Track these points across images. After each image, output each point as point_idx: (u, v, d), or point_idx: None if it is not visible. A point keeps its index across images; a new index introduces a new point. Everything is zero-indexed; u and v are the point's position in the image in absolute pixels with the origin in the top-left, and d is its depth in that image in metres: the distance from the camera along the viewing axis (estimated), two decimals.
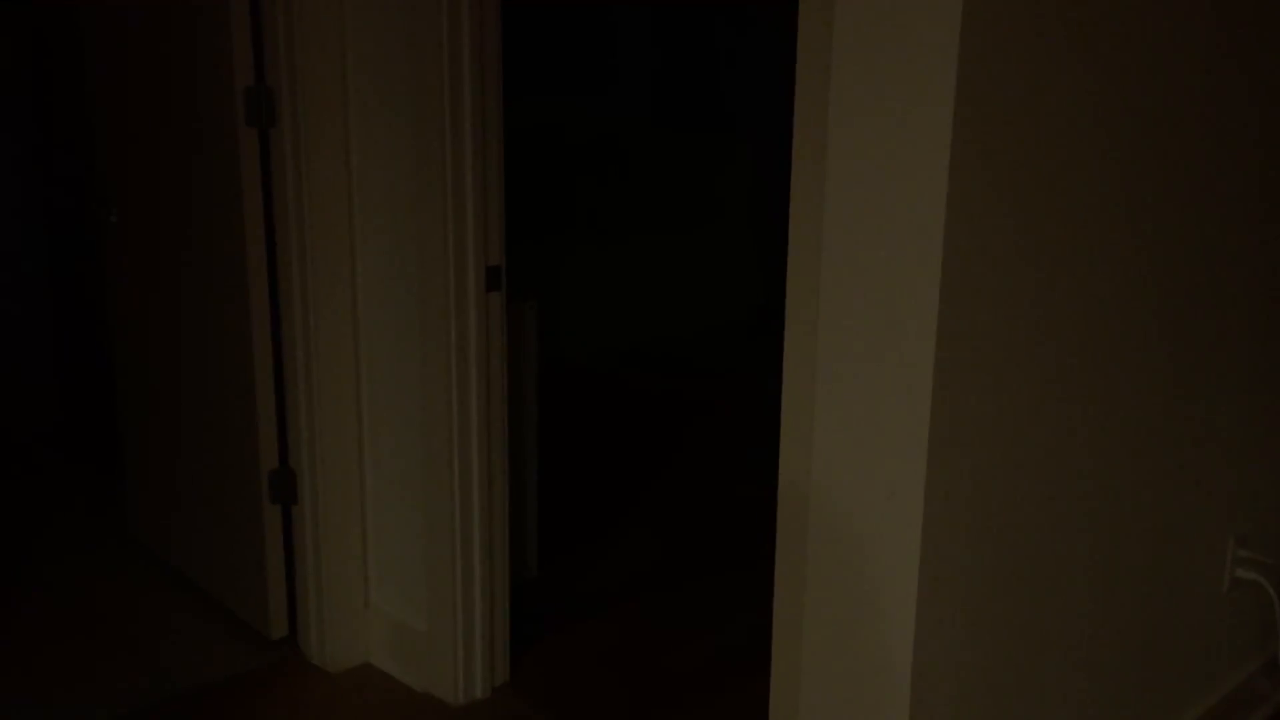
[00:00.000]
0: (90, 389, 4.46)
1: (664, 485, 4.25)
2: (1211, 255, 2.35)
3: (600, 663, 3.02)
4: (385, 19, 2.60)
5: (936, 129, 1.67)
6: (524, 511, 3.30)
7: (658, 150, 5.94)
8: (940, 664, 1.91)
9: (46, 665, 2.94)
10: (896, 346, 1.77)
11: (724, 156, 5.95)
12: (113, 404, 3.59)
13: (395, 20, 2.58)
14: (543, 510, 3.46)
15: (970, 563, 1.92)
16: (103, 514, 3.78)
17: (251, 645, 3.03)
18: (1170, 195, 2.18)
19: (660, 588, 3.43)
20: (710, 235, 5.93)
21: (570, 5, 5.57)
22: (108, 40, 3.21)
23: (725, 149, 5.94)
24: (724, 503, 4.09)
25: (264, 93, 2.71)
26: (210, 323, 3.01)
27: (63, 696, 2.81)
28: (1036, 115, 1.81)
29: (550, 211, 5.50)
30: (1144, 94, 2.04)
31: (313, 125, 2.67)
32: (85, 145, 3.53)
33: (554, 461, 4.21)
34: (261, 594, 3.02)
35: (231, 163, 2.78)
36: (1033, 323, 1.92)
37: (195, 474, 3.21)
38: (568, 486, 4.16)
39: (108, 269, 3.45)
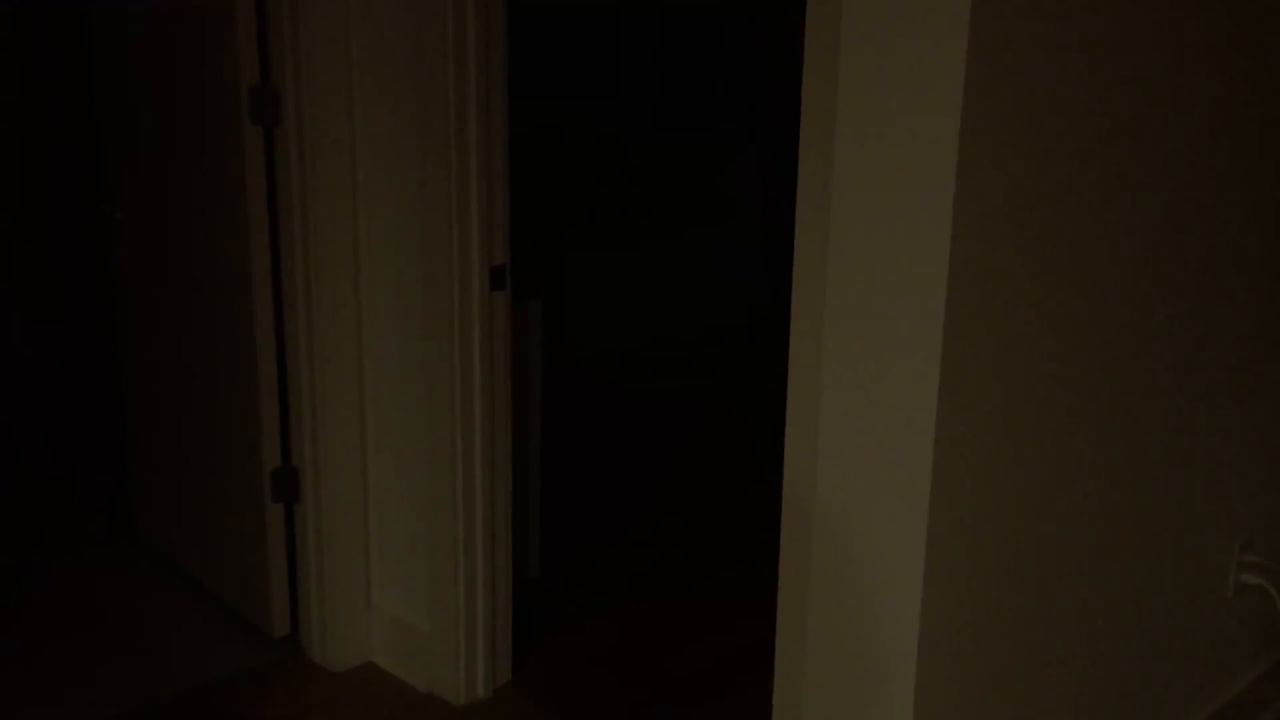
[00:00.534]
0: (96, 388, 4.46)
1: (667, 487, 4.25)
2: (1217, 261, 2.34)
3: (603, 664, 3.02)
4: (391, 18, 2.60)
5: (944, 135, 1.66)
6: (527, 511, 3.30)
7: (662, 152, 5.94)
8: (944, 670, 1.90)
9: (50, 664, 2.94)
10: (902, 354, 1.77)
11: (728, 158, 5.95)
12: (118, 403, 3.60)
13: (401, 19, 2.57)
14: (546, 510, 3.45)
15: (974, 569, 1.91)
16: (107, 513, 3.78)
17: (254, 644, 3.03)
18: (1176, 200, 2.18)
19: (663, 589, 3.43)
20: (714, 237, 5.93)
21: (575, 8, 5.57)
22: (112, 38, 3.22)
23: (729, 151, 5.94)
24: (727, 505, 4.08)
25: (269, 91, 2.71)
26: (214, 321, 3.01)
27: (66, 695, 2.81)
28: (1042, 121, 1.80)
29: (555, 213, 5.50)
30: (1150, 100, 2.03)
31: (318, 123, 2.67)
32: (90, 144, 3.54)
33: (557, 462, 4.21)
34: (264, 592, 3.02)
35: (236, 161, 2.78)
36: (1037, 327, 1.92)
37: (199, 472, 3.21)
38: (571, 487, 4.16)
39: (112, 267, 3.45)
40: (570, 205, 5.66)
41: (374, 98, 2.68)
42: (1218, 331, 2.40)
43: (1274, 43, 2.34)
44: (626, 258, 5.66)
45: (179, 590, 3.29)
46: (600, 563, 3.59)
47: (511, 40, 2.59)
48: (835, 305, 1.84)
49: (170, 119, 3.03)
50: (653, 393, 5.34)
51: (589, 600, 3.35)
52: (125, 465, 3.59)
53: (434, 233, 2.58)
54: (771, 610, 2.04)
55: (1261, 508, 2.71)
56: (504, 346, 2.69)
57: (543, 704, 2.83)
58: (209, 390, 3.10)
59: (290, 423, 2.89)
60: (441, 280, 2.59)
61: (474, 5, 2.46)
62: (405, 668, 2.91)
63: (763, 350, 5.47)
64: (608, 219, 5.82)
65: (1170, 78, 2.07)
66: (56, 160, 4.34)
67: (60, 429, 4.45)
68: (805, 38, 1.81)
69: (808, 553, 1.96)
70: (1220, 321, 2.40)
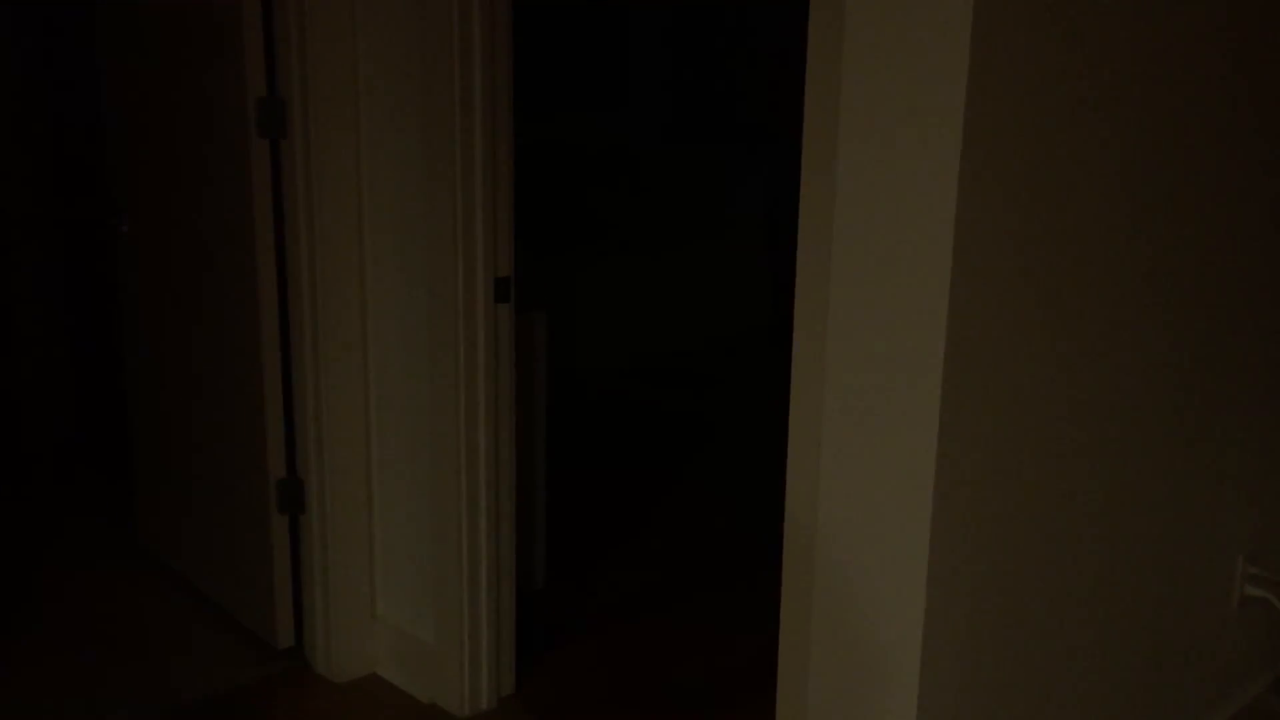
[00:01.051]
0: (104, 398, 4.47)
1: (673, 499, 4.24)
2: (1222, 272, 2.34)
3: (607, 676, 3.01)
4: (397, 31, 2.61)
5: (946, 148, 1.66)
6: (532, 523, 3.30)
7: (669, 164, 5.94)
8: (947, 686, 1.90)
9: (55, 674, 2.94)
10: (904, 369, 1.77)
11: (735, 170, 5.96)
12: (124, 413, 3.61)
13: (406, 32, 2.59)
14: (551, 522, 3.45)
15: (976, 585, 1.91)
16: (114, 523, 3.79)
17: (258, 655, 3.03)
18: (1180, 211, 2.18)
19: (669, 602, 3.43)
20: (720, 248, 5.93)
21: (584, 19, 5.59)
22: (120, 50, 3.23)
23: (736, 163, 5.95)
24: (732, 518, 4.08)
25: (276, 104, 2.72)
26: (220, 332, 3.02)
27: (71, 705, 2.82)
28: (1045, 134, 1.81)
29: (562, 225, 5.51)
30: (1153, 108, 2.04)
31: (324, 136, 2.68)
32: (98, 155, 3.55)
33: (563, 474, 4.21)
34: (268, 603, 3.02)
35: (242, 173, 2.79)
36: (1040, 342, 1.92)
37: (204, 483, 3.22)
38: (576, 499, 4.16)
39: (119, 278, 3.47)
40: (577, 216, 5.67)
41: (379, 110, 2.70)
42: (1222, 343, 2.40)
43: (1276, 45, 2.34)
44: (632, 269, 5.67)
45: (183, 601, 3.30)
46: (605, 575, 3.59)
47: (520, 50, 2.61)
48: (837, 322, 1.84)
49: (177, 131, 3.05)
50: (659, 405, 5.34)
51: (593, 613, 3.35)
52: (132, 476, 3.60)
53: (439, 245, 2.59)
54: (775, 624, 2.04)
55: (1266, 519, 2.71)
56: (508, 358, 2.70)
57: (546, 716, 2.83)
58: (214, 401, 3.10)
59: (295, 434, 2.89)
60: (446, 292, 2.60)
61: (479, 18, 2.47)
62: (409, 679, 2.91)
63: (769, 362, 5.47)
64: (614, 230, 5.83)
65: (1172, 82, 2.07)
66: (65, 171, 4.36)
67: (69, 438, 4.46)
68: (808, 48, 1.82)
69: (810, 568, 1.96)
70: (1225, 333, 2.40)
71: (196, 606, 3.26)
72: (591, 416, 5.13)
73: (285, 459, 2.94)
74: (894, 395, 1.79)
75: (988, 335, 1.80)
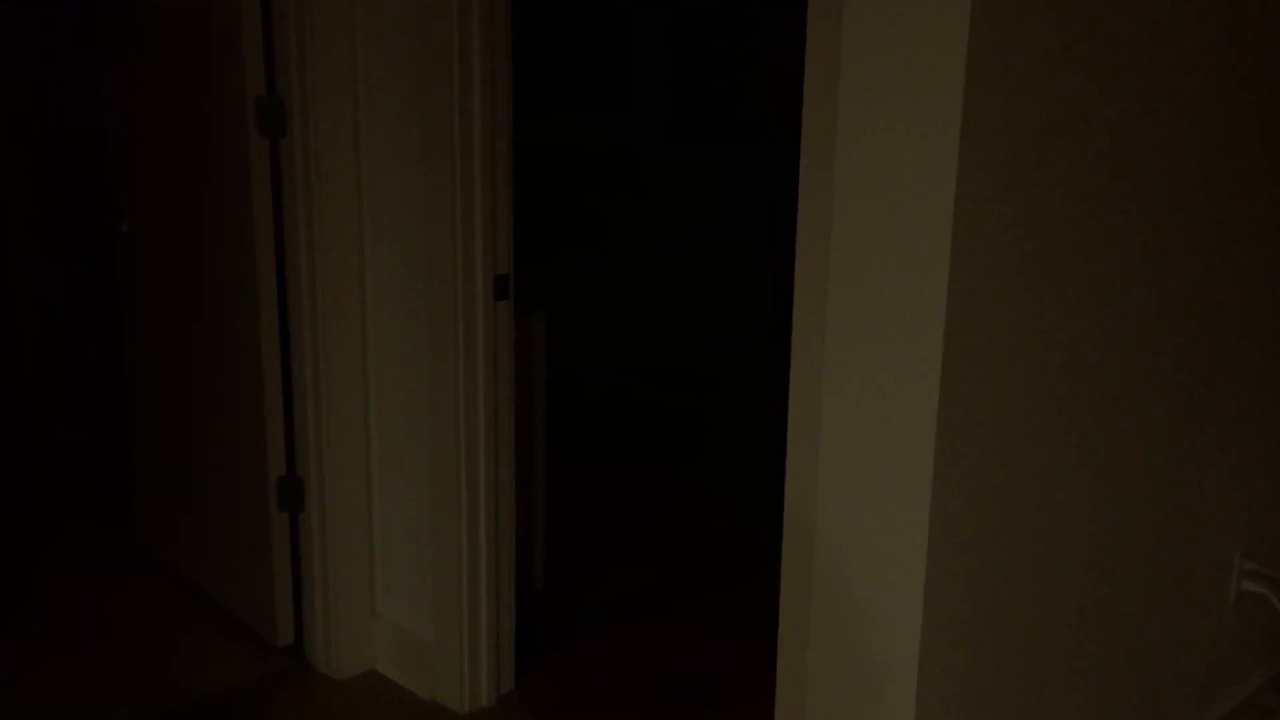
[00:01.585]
0: (103, 398, 4.47)
1: (673, 498, 4.25)
2: (1219, 268, 2.35)
3: (607, 674, 3.02)
4: (396, 30, 2.62)
5: (943, 147, 1.67)
6: (531, 522, 3.30)
7: (669, 164, 5.95)
8: (945, 682, 1.91)
9: (55, 673, 2.95)
10: (902, 369, 1.77)
11: (735, 171, 5.96)
12: (124, 412, 3.61)
13: (406, 31, 2.59)
14: (550, 521, 3.46)
15: (974, 582, 1.92)
16: (114, 522, 3.79)
17: (258, 652, 3.04)
18: (1177, 207, 2.18)
19: (668, 601, 3.43)
20: (720, 248, 5.94)
21: (585, 20, 5.59)
22: (120, 50, 3.24)
23: (736, 163, 5.95)
24: (733, 516, 4.08)
25: (275, 103, 2.73)
26: (220, 331, 3.03)
27: (71, 704, 2.82)
28: (1043, 130, 1.81)
29: (562, 225, 5.51)
30: (1150, 106, 2.04)
31: (323, 135, 2.69)
32: (98, 156, 3.56)
33: (562, 473, 4.21)
34: (268, 601, 3.03)
35: (242, 172, 2.80)
36: (1038, 340, 1.92)
37: (204, 482, 3.22)
38: (576, 498, 4.16)
39: (119, 278, 3.47)
40: (577, 216, 5.68)
41: (379, 109, 2.70)
42: (1219, 341, 2.41)
43: (1273, 44, 2.35)
44: (632, 269, 5.67)
45: (183, 599, 3.30)
46: (605, 574, 3.60)
47: (520, 51, 2.61)
48: (835, 321, 1.85)
49: (176, 131, 3.06)
50: (658, 404, 5.34)
51: (594, 611, 3.35)
52: (132, 475, 3.60)
53: (438, 242, 2.59)
54: (775, 623, 2.05)
55: (1263, 515, 2.71)
56: (508, 356, 2.71)
57: (546, 714, 2.83)
58: (214, 400, 3.11)
59: (295, 432, 2.90)
60: (445, 289, 2.60)
61: (478, 17, 2.48)
62: (409, 676, 2.92)
63: (769, 362, 5.47)
64: (614, 230, 5.83)
65: (1170, 81, 2.08)
66: (65, 171, 4.36)
67: (68, 438, 4.46)
68: (806, 49, 1.82)
69: (809, 567, 1.96)
70: (1221, 329, 2.41)
71: (196, 605, 3.27)
72: (591, 416, 5.13)
73: (285, 457, 2.94)
74: (892, 395, 1.79)
75: (985, 335, 1.81)
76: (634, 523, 4.00)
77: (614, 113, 5.93)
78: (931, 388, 1.75)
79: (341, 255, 2.77)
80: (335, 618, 2.91)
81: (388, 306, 2.79)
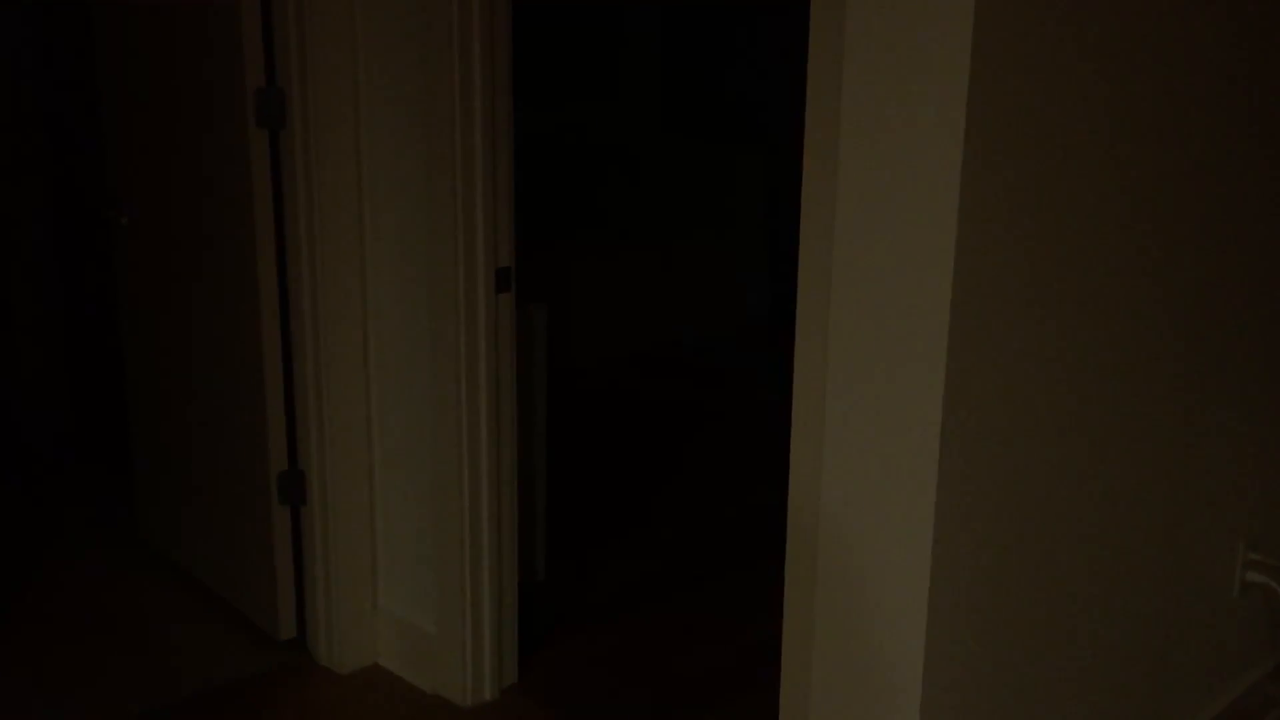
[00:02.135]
0: (102, 390, 4.46)
1: (674, 489, 4.25)
2: (1222, 261, 2.34)
3: (609, 665, 3.02)
4: (396, 21, 2.61)
5: (949, 139, 1.66)
6: (533, 514, 3.30)
7: (667, 156, 5.94)
8: (950, 672, 1.90)
9: (56, 666, 2.94)
10: (907, 361, 1.77)
11: (733, 162, 5.95)
12: (124, 405, 3.60)
13: (406, 22, 2.58)
14: (552, 513, 3.45)
15: (979, 572, 1.91)
16: (113, 515, 3.79)
17: (260, 646, 3.04)
18: (1180, 200, 2.18)
19: (670, 592, 3.43)
20: (720, 240, 5.93)
21: (580, 12, 5.58)
22: (118, 41, 3.22)
23: (734, 155, 5.94)
24: (736, 506, 4.08)
25: (275, 94, 2.72)
26: (220, 324, 3.02)
27: (72, 697, 2.82)
28: (1047, 125, 1.81)
29: (561, 217, 5.50)
30: (1153, 103, 2.03)
31: (323, 127, 2.67)
32: (96, 147, 3.55)
33: (563, 465, 4.21)
34: (270, 595, 3.02)
35: (242, 164, 2.78)
36: (1042, 331, 1.92)
37: (204, 475, 3.22)
38: (577, 490, 4.16)
39: (118, 270, 3.46)
40: (575, 209, 5.67)
41: (379, 101, 2.69)
42: (1222, 330, 2.40)
43: (1276, 43, 2.34)
44: (632, 261, 5.66)
45: (184, 593, 3.29)
46: (606, 566, 3.60)
47: (518, 45, 2.60)
48: (840, 313, 1.84)
49: (175, 122, 3.04)
50: (657, 396, 5.33)
51: (595, 603, 3.35)
52: (131, 467, 3.60)
53: (439, 235, 2.58)
54: (778, 613, 2.04)
55: (1268, 505, 2.71)
56: (509, 348, 2.70)
57: (549, 706, 2.83)
58: (215, 393, 3.10)
59: (296, 426, 2.89)
60: (447, 282, 2.59)
61: (479, 8, 2.47)
62: (411, 670, 2.91)
63: (769, 352, 5.47)
64: (613, 222, 5.82)
65: (1173, 79, 2.07)
66: (64, 163, 4.35)
67: (68, 429, 4.45)
68: (809, 42, 1.81)
69: (813, 558, 1.96)
70: (1225, 320, 2.40)
71: (197, 599, 3.26)
72: (591, 407, 5.13)
73: (286, 451, 2.94)
74: (897, 388, 1.79)
75: (990, 327, 1.80)
76: (635, 513, 4.00)
77: (612, 104, 5.92)
78: (937, 380, 1.74)
79: (342, 248, 2.76)
80: (337, 611, 2.91)
81: (389, 299, 2.78)
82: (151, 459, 3.47)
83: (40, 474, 4.21)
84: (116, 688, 2.85)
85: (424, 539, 2.83)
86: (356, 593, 2.93)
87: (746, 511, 4.03)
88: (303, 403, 2.84)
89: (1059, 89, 1.81)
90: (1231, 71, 2.23)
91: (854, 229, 1.79)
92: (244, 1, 2.68)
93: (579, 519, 3.92)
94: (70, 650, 3.02)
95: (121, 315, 3.50)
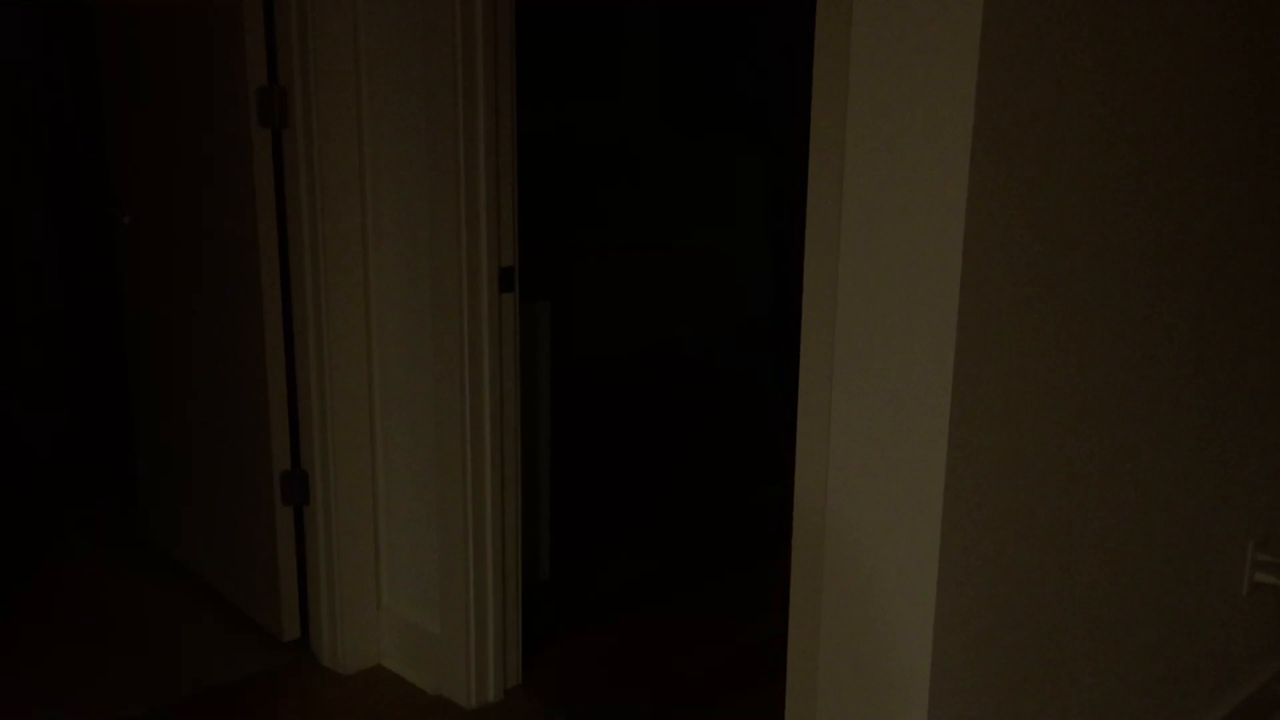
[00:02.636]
0: (104, 388, 4.46)
1: (677, 489, 4.24)
2: (1228, 259, 2.33)
3: (613, 665, 3.01)
4: (399, 20, 2.59)
5: (956, 137, 1.65)
6: (536, 513, 3.29)
7: (671, 154, 5.93)
8: (958, 672, 1.89)
9: (59, 665, 2.94)
10: (914, 361, 1.76)
11: (736, 160, 5.95)
12: (127, 404, 3.59)
13: (409, 21, 2.57)
14: (555, 513, 3.45)
15: (987, 572, 1.90)
16: (116, 514, 3.78)
17: (263, 647, 3.03)
18: (1186, 200, 2.17)
19: (674, 591, 3.42)
20: (723, 237, 5.93)
21: (581, 12, 5.57)
22: (120, 41, 3.21)
23: (737, 152, 5.93)
24: (738, 506, 4.08)
25: (277, 93, 2.70)
26: (222, 323, 3.01)
27: (75, 696, 2.81)
28: (1054, 123, 1.79)
29: (564, 216, 5.49)
30: (1158, 103, 2.02)
31: (325, 125, 2.66)
32: (99, 147, 3.54)
33: (567, 464, 4.20)
34: (273, 596, 3.01)
35: (244, 163, 2.77)
36: (1050, 331, 1.91)
37: (207, 475, 3.21)
38: (581, 489, 4.15)
39: (119, 270, 3.45)
40: (579, 207, 5.66)
41: (382, 99, 2.68)
42: (1230, 329, 2.39)
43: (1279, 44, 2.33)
44: (635, 260, 5.66)
45: (188, 592, 3.29)
46: (610, 565, 3.59)
47: (523, 39, 2.59)
48: (846, 314, 1.83)
49: (177, 121, 3.03)
50: (661, 395, 5.33)
51: (599, 603, 3.34)
52: (134, 467, 3.59)
53: (442, 234, 2.57)
54: (782, 612, 2.03)
55: (1276, 505, 2.70)
56: (513, 348, 2.69)
57: (553, 707, 2.82)
58: (217, 393, 3.09)
59: (299, 425, 2.88)
60: (450, 282, 2.58)
61: (482, 7, 2.45)
62: (415, 670, 2.90)
63: (772, 351, 5.46)
64: (616, 221, 5.82)
65: (1178, 79, 2.06)
66: (65, 162, 4.34)
67: (70, 429, 4.45)
68: (815, 38, 1.80)
69: (820, 558, 1.95)
70: (1233, 319, 2.39)
71: (200, 599, 3.25)
72: (595, 406, 5.12)
73: (290, 451, 2.93)
74: (905, 388, 1.77)
75: (998, 327, 1.79)
76: (639, 512, 3.99)
77: (614, 102, 5.91)
78: (944, 380, 1.73)
79: (344, 247, 2.74)
80: (340, 612, 2.90)
81: (392, 298, 2.77)
82: (153, 458, 3.46)
83: (41, 474, 4.21)
84: (118, 688, 2.84)
85: (428, 539, 2.82)
86: (360, 593, 2.92)
87: (748, 511, 4.02)
88: (305, 402, 2.83)
89: (1067, 87, 1.80)
90: (1239, 70, 2.22)
91: (860, 229, 1.78)
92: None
93: (584, 517, 3.91)
94: (71, 650, 3.01)
95: (123, 315, 3.49)
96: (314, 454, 2.84)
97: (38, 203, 4.30)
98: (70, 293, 4.44)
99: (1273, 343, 2.55)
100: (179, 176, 3.07)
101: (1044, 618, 2.07)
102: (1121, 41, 1.89)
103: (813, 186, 1.84)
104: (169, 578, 3.37)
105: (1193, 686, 2.57)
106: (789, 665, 2.04)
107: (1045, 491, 1.99)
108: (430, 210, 2.60)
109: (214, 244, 2.98)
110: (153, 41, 3.06)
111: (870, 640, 1.90)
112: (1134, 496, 2.23)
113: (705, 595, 3.40)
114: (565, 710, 2.81)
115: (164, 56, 3.03)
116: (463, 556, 2.71)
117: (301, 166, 2.69)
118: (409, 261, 2.70)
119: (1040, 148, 1.78)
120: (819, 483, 1.92)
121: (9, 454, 4.30)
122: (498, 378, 2.66)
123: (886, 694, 1.90)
